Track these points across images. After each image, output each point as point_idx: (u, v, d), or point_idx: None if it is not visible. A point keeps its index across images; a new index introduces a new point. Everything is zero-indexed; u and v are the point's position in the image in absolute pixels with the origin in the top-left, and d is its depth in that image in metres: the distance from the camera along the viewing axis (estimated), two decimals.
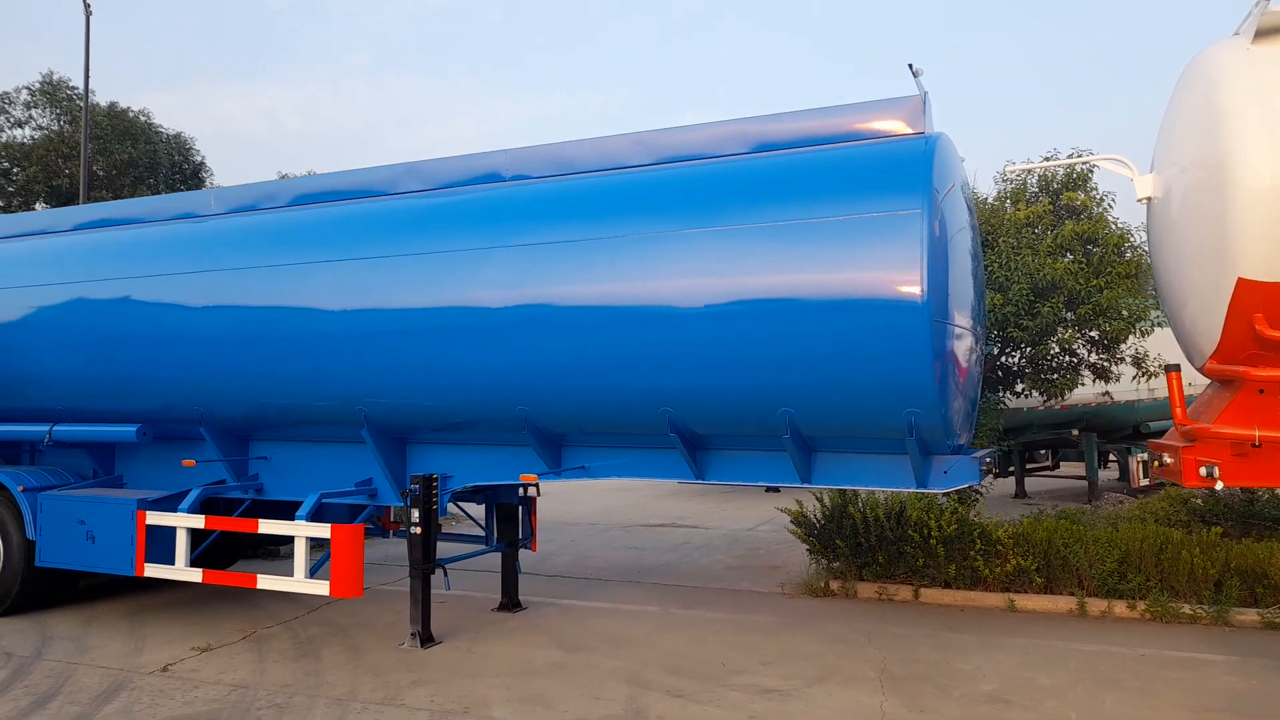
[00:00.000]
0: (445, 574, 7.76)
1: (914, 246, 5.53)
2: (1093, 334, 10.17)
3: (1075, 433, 14.52)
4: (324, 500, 7.63)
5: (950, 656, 7.06)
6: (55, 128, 39.69)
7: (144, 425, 8.32)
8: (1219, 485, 5.35)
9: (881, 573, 9.07)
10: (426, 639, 7.46)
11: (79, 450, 9.02)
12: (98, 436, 8.49)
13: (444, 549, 9.04)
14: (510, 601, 8.71)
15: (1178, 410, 5.80)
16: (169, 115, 61.12)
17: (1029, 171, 10.12)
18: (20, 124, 39.96)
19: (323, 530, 7.19)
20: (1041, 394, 10.60)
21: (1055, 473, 17.83)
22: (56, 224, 9.44)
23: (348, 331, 7.25)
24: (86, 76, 18.81)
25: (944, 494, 10.17)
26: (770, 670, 6.74)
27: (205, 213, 8.72)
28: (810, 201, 5.92)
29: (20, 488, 8.48)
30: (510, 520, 8.74)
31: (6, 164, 37.04)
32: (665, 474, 6.92)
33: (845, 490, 9.29)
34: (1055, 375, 10.37)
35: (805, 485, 6.54)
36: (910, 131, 6.19)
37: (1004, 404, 11.06)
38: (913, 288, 5.53)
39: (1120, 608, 8.21)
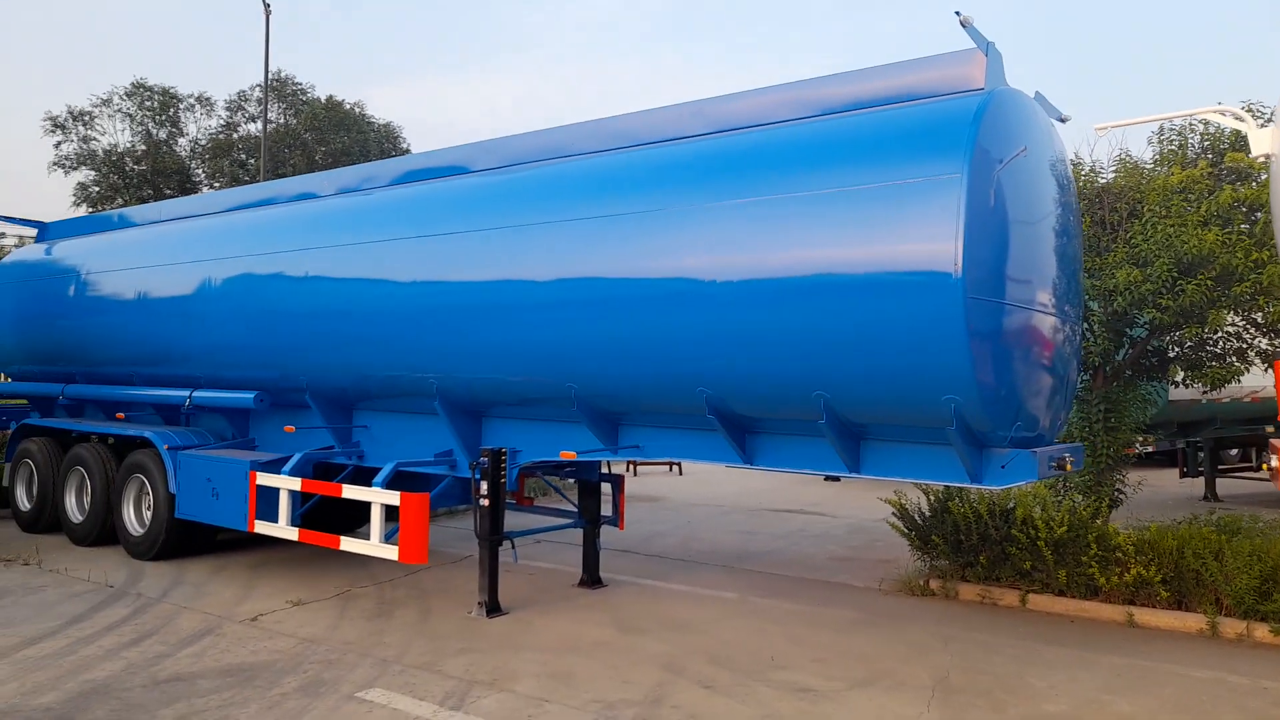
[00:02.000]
0: (513, 546, 7.91)
1: (949, 215, 4.99)
2: (1256, 316, 8.82)
3: (1268, 429, 12.68)
4: (403, 469, 7.97)
5: (1027, 670, 6.40)
6: (281, 121, 43.70)
7: (261, 393, 9.03)
8: None
9: (985, 574, 8.35)
10: (493, 609, 7.64)
11: (218, 414, 9.92)
12: (223, 403, 9.30)
13: (532, 521, 9.29)
14: (590, 578, 8.75)
15: None
16: (398, 107, 65.81)
17: (1180, 130, 8.87)
18: (254, 118, 44.31)
19: (394, 498, 7.50)
20: (1197, 384, 9.34)
21: (1258, 475, 15.69)
22: (203, 208, 10.40)
23: (421, 307, 7.51)
24: (266, 70, 20.48)
25: (1058, 491, 9.27)
26: (817, 669, 6.38)
27: (321, 193, 9.30)
28: (844, 169, 5.49)
29: (165, 446, 9.43)
30: (592, 497, 8.76)
31: (244, 155, 41.19)
32: (715, 457, 6.69)
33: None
34: (1214, 363, 9.10)
35: (853, 475, 6.11)
36: (967, 89, 5.58)
37: (1154, 396, 9.84)
38: (946, 261, 5.00)
39: (1261, 631, 7.12)
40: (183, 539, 9.55)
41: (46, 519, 10.92)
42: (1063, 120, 6.83)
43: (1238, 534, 7.90)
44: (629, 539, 11.20)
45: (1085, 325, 9.23)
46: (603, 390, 6.71)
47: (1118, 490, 9.56)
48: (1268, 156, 5.27)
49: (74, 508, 10.55)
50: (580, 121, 7.54)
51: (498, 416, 7.99)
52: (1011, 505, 8.30)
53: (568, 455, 7.04)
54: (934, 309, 5.03)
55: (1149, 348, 9.53)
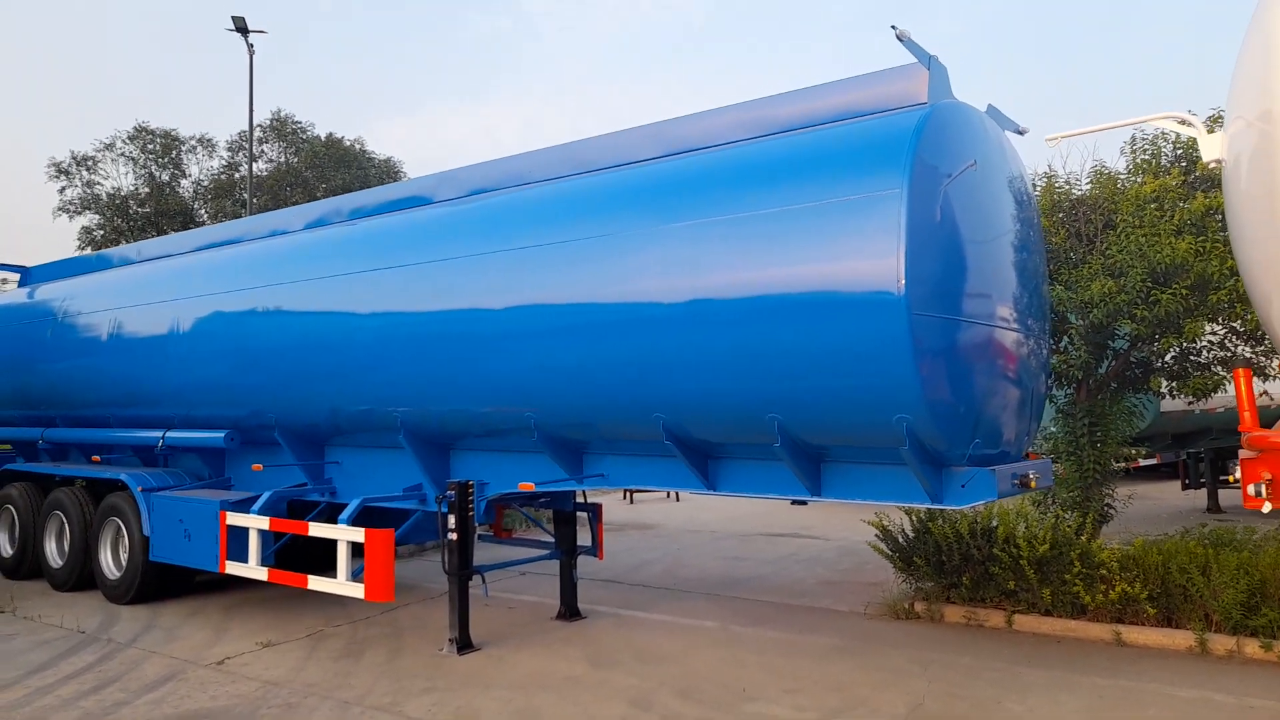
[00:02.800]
0: (484, 581, 7.77)
1: (890, 232, 4.89)
2: (1235, 324, 8.65)
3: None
4: (371, 504, 7.87)
5: (1006, 694, 6.21)
6: (282, 160, 44.17)
7: (232, 431, 8.96)
8: (1266, 507, 4.33)
9: (969, 596, 8.16)
10: (464, 645, 7.49)
11: (192, 454, 9.85)
12: (194, 443, 9.23)
13: (508, 555, 9.16)
14: (568, 610, 8.59)
15: (1245, 414, 4.77)
16: (398, 141, 66.36)
17: (1152, 139, 8.75)
18: (256, 158, 44.80)
19: (359, 535, 7.39)
20: (1179, 395, 9.16)
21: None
22: (175, 248, 10.40)
23: (382, 338, 7.45)
24: (251, 108, 20.61)
25: (1044, 507, 9.09)
26: (789, 699, 6.20)
27: (289, 229, 9.28)
28: (786, 188, 5.41)
29: (140, 488, 9.36)
30: (567, 527, 8.63)
31: (247, 195, 41.60)
32: (678, 484, 6.57)
33: None
34: (1197, 373, 8.92)
35: (814, 499, 5.97)
36: (911, 104, 5.50)
37: (1141, 408, 9.67)
38: (888, 278, 4.89)
39: (1251, 647, 6.91)
40: (159, 581, 9.44)
41: (28, 565, 10.84)
42: (1020, 132, 6.75)
43: (1227, 547, 7.70)
44: (615, 568, 11.05)
45: (1065, 339, 9.11)
46: (561, 419, 6.61)
47: (1107, 505, 9.35)
48: (1219, 162, 5.16)
49: (54, 553, 10.47)
50: (541, 148, 7.50)
51: (465, 449, 7.88)
52: (994, 524, 8.13)
53: (526, 486, 6.93)
54: (879, 327, 4.92)
55: (1132, 359, 9.36)
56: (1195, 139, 5.33)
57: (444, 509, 7.46)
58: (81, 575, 10.01)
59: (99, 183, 42.87)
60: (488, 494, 7.63)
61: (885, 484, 5.69)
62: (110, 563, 9.74)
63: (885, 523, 8.86)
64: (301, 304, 8.06)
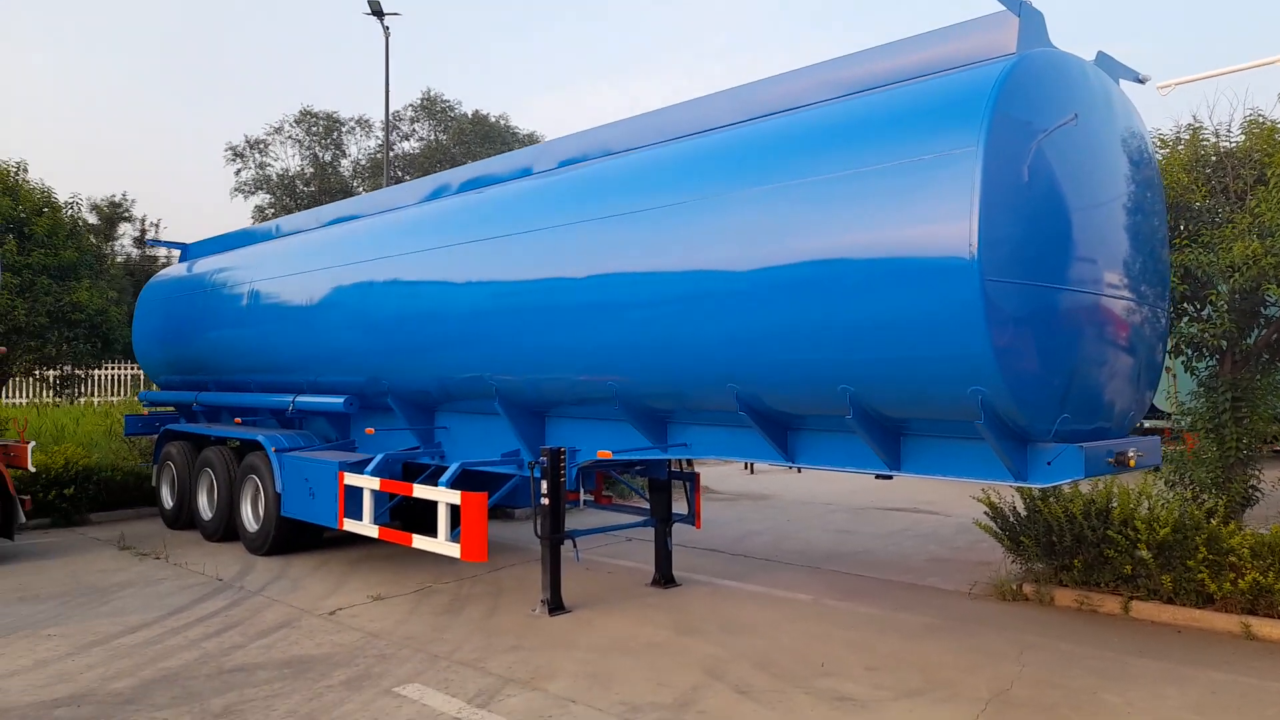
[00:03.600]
0: (575, 545, 7.93)
1: (962, 193, 4.61)
2: None
3: None
4: (469, 468, 8.16)
5: (1106, 685, 5.83)
6: (431, 137, 45.94)
7: (351, 397, 9.48)
8: None
9: (1082, 579, 7.68)
10: (555, 607, 7.69)
11: (320, 418, 10.49)
12: (319, 407, 9.83)
13: (605, 520, 9.31)
14: (662, 577, 8.66)
15: None
16: (547, 116, 67.72)
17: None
18: (407, 137, 46.76)
19: (455, 497, 7.68)
20: None
21: None
22: (309, 224, 11.03)
23: (478, 308, 7.68)
24: (387, 91, 21.36)
25: (1179, 488, 8.44)
26: (868, 677, 6.05)
27: (405, 204, 9.67)
28: (860, 149, 5.19)
29: (273, 448, 10.05)
30: (661, 495, 8.67)
31: (400, 172, 43.55)
32: (758, 455, 6.48)
33: None
34: None
35: (894, 473, 5.76)
36: (999, 55, 5.13)
37: None
38: (960, 243, 4.61)
39: None
40: (291, 536, 10.12)
41: (185, 517, 11.85)
42: (1140, 81, 6.20)
43: None
44: (720, 538, 11.04)
45: (1208, 305, 8.35)
46: (639, 388, 6.64)
47: (1251, 488, 8.55)
48: None
49: (205, 506, 11.41)
50: (627, 118, 7.49)
51: (560, 416, 8.05)
52: (1112, 504, 7.60)
53: (604, 454, 7.00)
54: (950, 294, 4.66)
55: None
56: None
57: (536, 474, 7.64)
58: (227, 527, 10.86)
59: (269, 164, 45.91)
60: (579, 461, 7.76)
61: (967, 460, 5.42)
62: (250, 516, 10.52)
63: (996, 499, 8.45)
64: (409, 275, 8.40)
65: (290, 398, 10.22)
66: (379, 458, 8.82)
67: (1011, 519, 8.24)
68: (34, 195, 15.06)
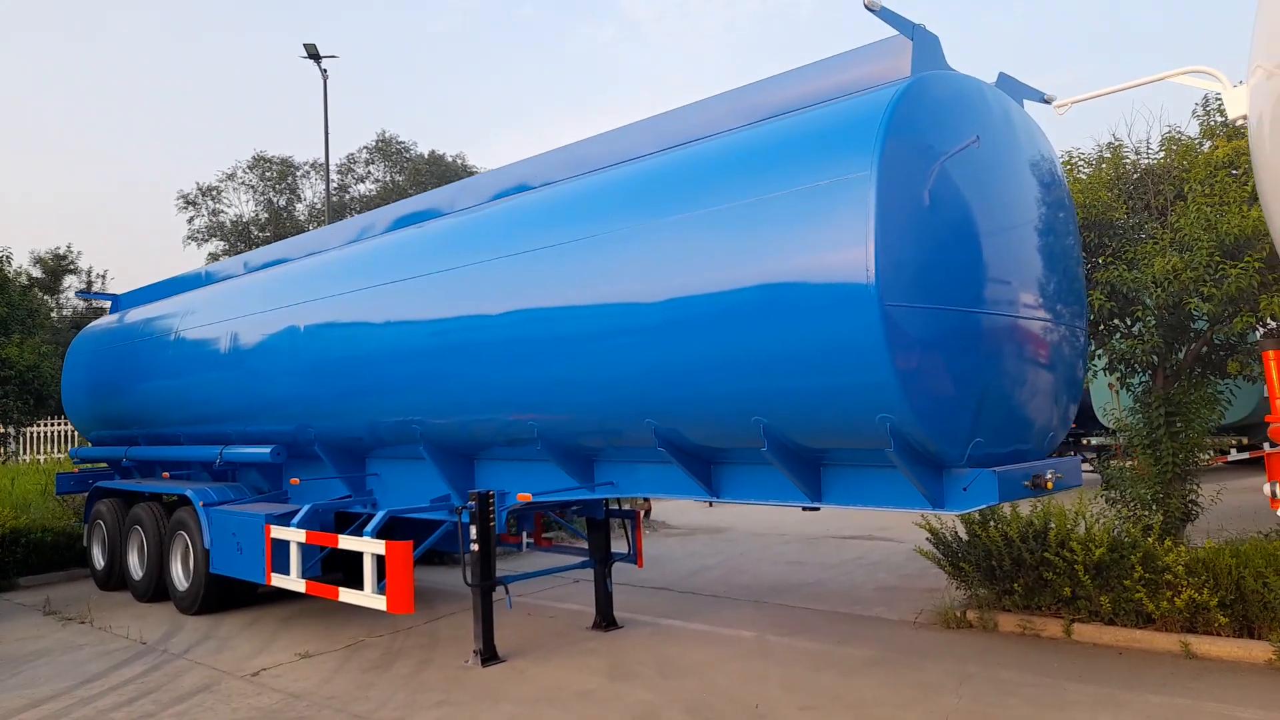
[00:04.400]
0: (507, 591, 7.70)
1: (858, 216, 4.52)
2: None
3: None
4: (397, 515, 7.91)
5: (1042, 713, 5.69)
6: (388, 178, 45.84)
7: (278, 447, 9.20)
8: None
9: (1024, 603, 7.57)
10: (489, 657, 7.43)
11: (251, 469, 10.18)
12: (245, 457, 9.52)
13: (547, 563, 9.08)
14: (603, 619, 8.43)
15: (1276, 401, 4.20)
16: (508, 153, 67.91)
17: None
18: (362, 179, 46.65)
19: (380, 547, 7.43)
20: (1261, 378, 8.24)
21: None
22: (231, 270, 10.79)
23: (395, 350, 7.50)
24: (326, 133, 21.21)
25: (1119, 506, 8.40)
26: (801, 718, 5.86)
27: (328, 246, 9.47)
28: (760, 177, 5.10)
29: (201, 503, 9.72)
30: (600, 534, 8.47)
31: (356, 213, 43.24)
32: (683, 491, 6.31)
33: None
34: None
35: (815, 505, 5.62)
36: (895, 80, 5.09)
37: (1227, 395, 8.79)
38: (858, 268, 4.52)
39: None
40: (222, 593, 9.76)
41: (116, 577, 11.42)
42: (1045, 101, 6.20)
43: None
44: (669, 575, 10.84)
45: (1137, 321, 8.36)
46: (560, 427, 6.47)
47: (1190, 502, 8.52)
48: (1244, 118, 4.56)
49: (135, 565, 11.00)
50: (545, 152, 7.39)
51: (488, 459, 7.84)
52: (1049, 525, 7.52)
53: (524, 497, 6.80)
54: (851, 320, 4.56)
55: (1215, 340, 8.51)
56: (1221, 94, 4.73)
57: (464, 519, 7.42)
58: (158, 587, 10.46)
59: (223, 210, 45.52)
60: (509, 504, 7.54)
61: (886, 489, 5.29)
62: (180, 574, 10.15)
63: (938, 524, 8.34)
64: (330, 318, 8.21)
65: (218, 449, 9.91)
66: (305, 509, 8.53)
67: (954, 544, 8.13)
68: None
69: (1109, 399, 12.33)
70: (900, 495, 5.24)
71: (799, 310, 4.78)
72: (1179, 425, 8.46)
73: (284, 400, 8.94)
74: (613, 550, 8.66)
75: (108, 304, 14.05)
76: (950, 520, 8.31)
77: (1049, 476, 5.16)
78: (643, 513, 15.78)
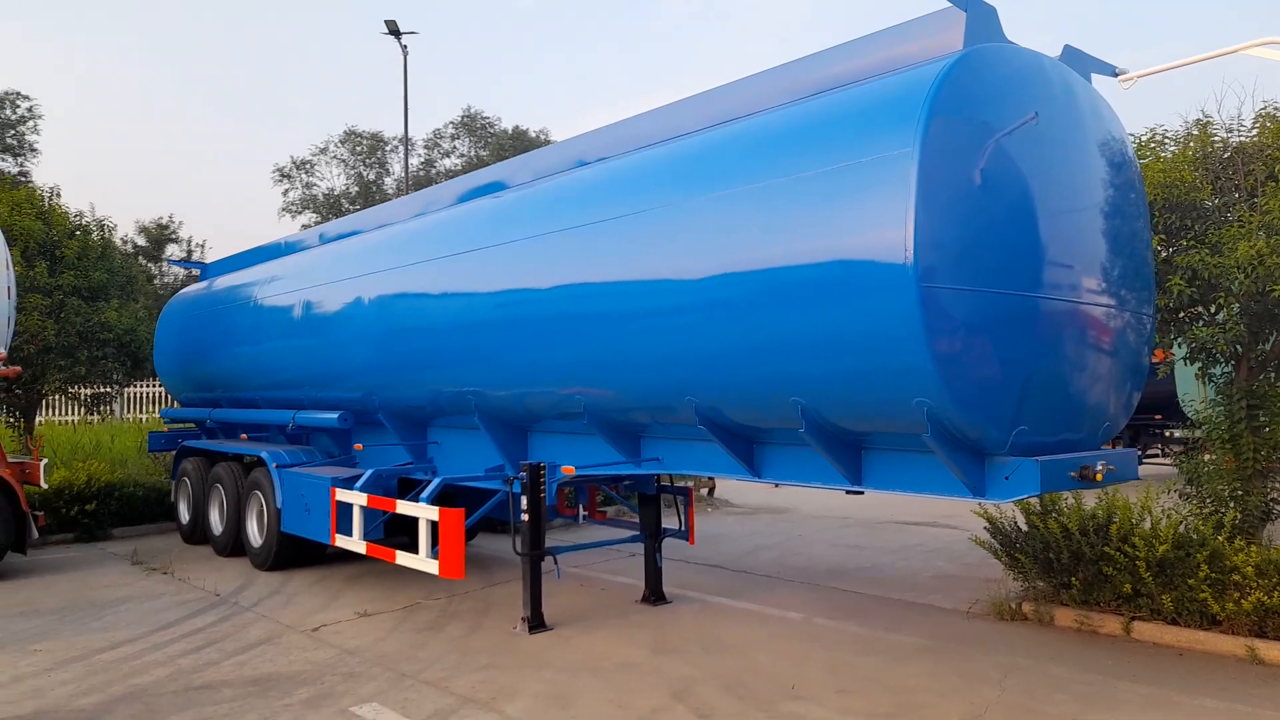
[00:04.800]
0: (556, 562, 7.82)
1: (898, 195, 4.41)
2: None
3: None
4: (450, 483, 8.11)
5: (1087, 712, 5.53)
6: (472, 153, 46.52)
7: (345, 412, 9.52)
8: None
9: (1082, 598, 7.34)
10: (536, 625, 7.58)
11: (323, 433, 10.55)
12: (316, 422, 9.87)
13: (598, 535, 9.19)
14: (653, 594, 8.50)
15: None
16: (591, 129, 68.24)
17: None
18: (448, 154, 47.46)
19: (434, 513, 7.63)
20: None
21: None
22: (310, 242, 11.14)
23: (452, 323, 7.66)
24: (405, 107, 21.59)
25: (1197, 501, 8.04)
26: (836, 700, 5.83)
27: (398, 220, 9.70)
28: (804, 153, 5.02)
29: (274, 464, 10.12)
30: (650, 510, 8.52)
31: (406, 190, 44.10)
32: (724, 470, 6.31)
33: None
34: None
35: (857, 489, 5.54)
36: (949, 53, 4.92)
37: None
38: (896, 247, 4.42)
39: None
40: (293, 551, 10.17)
41: (199, 532, 12.02)
42: (1115, 75, 5.91)
43: None
44: (725, 553, 10.85)
45: (1221, 309, 7.95)
46: (605, 403, 6.52)
47: (1271, 500, 8.10)
48: None
49: (216, 521, 11.55)
50: (600, 128, 7.40)
51: (542, 431, 7.96)
52: (1113, 518, 7.25)
53: (568, 470, 6.88)
54: (888, 301, 4.47)
55: None
56: None
57: (516, 489, 7.56)
58: (235, 542, 10.97)
59: (315, 184, 46.95)
60: (558, 477, 7.65)
61: (927, 474, 5.19)
62: (254, 532, 10.61)
63: (996, 512, 8.13)
64: (394, 290, 8.42)
65: (292, 414, 10.30)
66: (369, 474, 8.81)
67: (1012, 535, 7.92)
68: (66, 219, 15.49)
69: (1193, 389, 11.76)
70: (941, 481, 5.13)
71: (836, 290, 4.71)
72: (1263, 419, 8.03)
73: (351, 368, 9.23)
74: (665, 526, 8.72)
75: (198, 271, 14.67)
76: (1010, 509, 8.08)
77: (1099, 468, 4.98)
78: (705, 490, 15.80)
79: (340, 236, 10.61)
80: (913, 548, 11.03)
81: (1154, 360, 9.50)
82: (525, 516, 7.53)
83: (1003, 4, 5.15)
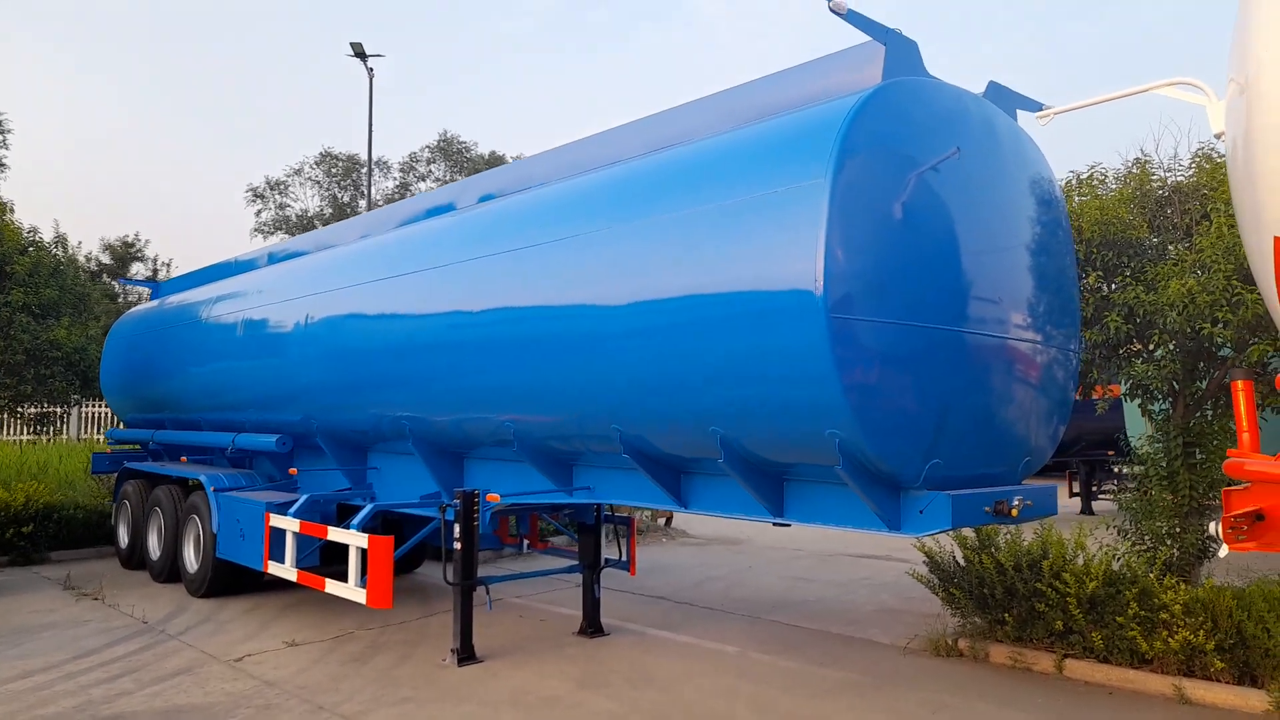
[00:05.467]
0: (488, 592, 7.68)
1: (810, 225, 4.39)
2: None
3: None
4: (384, 510, 7.97)
5: None
6: (449, 178, 46.56)
7: (283, 436, 9.35)
8: (1223, 550, 3.52)
9: (1015, 634, 7.29)
10: (465, 657, 7.42)
11: (263, 457, 10.36)
12: (255, 445, 9.70)
13: (537, 565, 9.05)
14: (590, 626, 8.36)
15: (1243, 435, 3.95)
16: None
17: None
18: (423, 178, 47.47)
19: (364, 541, 7.48)
20: None
21: None
22: (260, 260, 11.02)
23: (385, 345, 7.56)
24: (370, 130, 21.57)
25: (1133, 538, 8.04)
26: None
27: (342, 242, 9.60)
28: (722, 184, 5.00)
29: (213, 487, 9.92)
30: (589, 540, 8.40)
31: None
32: (651, 500, 6.23)
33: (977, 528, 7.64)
34: None
35: (778, 521, 5.48)
36: (868, 86, 4.93)
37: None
38: (806, 277, 4.39)
39: None
40: (230, 577, 9.92)
41: (138, 557, 11.74)
42: (1040, 110, 5.96)
43: None
44: (672, 585, 10.72)
45: (1158, 346, 8.00)
46: (535, 430, 6.43)
47: (1207, 539, 8.10)
48: (1222, 133, 4.29)
49: (154, 546, 11.28)
50: (545, 151, 7.38)
51: (478, 458, 7.85)
52: (1042, 554, 7.23)
53: (492, 498, 6.77)
54: (799, 331, 4.43)
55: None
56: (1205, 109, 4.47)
57: (449, 517, 7.43)
58: (172, 568, 10.70)
59: (289, 204, 46.72)
60: (492, 504, 7.52)
61: (848, 507, 5.13)
62: (191, 557, 10.36)
63: (934, 546, 8.09)
64: (327, 313, 8.31)
65: (232, 436, 10.12)
66: (303, 499, 8.64)
67: (949, 569, 7.87)
68: (18, 236, 15.25)
69: (1142, 425, 11.84)
70: (860, 515, 5.08)
71: (751, 319, 4.67)
72: (1199, 456, 8.07)
73: (291, 390, 9.09)
74: (607, 557, 8.60)
75: (148, 291, 14.47)
76: (949, 543, 8.05)
77: (1015, 503, 4.95)
78: (662, 520, 15.68)
79: (287, 256, 10.50)
80: (860, 581, 10.96)
81: (1095, 396, 9.58)
82: (457, 545, 7.40)
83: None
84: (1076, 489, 17.96)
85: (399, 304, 7.40)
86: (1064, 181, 8.50)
